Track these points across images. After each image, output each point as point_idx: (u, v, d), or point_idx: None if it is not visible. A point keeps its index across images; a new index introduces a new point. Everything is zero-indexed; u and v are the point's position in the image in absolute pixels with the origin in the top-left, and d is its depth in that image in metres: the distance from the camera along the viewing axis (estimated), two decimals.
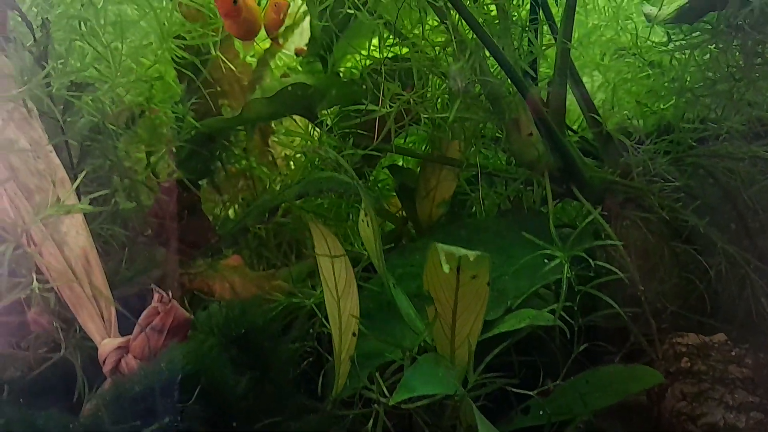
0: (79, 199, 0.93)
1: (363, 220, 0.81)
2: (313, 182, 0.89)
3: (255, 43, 1.44)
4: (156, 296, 0.83)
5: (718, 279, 1.23)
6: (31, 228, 0.82)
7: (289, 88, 1.22)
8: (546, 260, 1.06)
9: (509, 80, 1.04)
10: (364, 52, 1.53)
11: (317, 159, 1.16)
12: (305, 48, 1.53)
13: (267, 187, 1.59)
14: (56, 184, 0.95)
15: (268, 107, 1.23)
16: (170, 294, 0.82)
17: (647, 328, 1.18)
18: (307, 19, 1.53)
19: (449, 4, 1.00)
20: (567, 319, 0.97)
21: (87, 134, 1.08)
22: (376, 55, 1.39)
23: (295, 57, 1.61)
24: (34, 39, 1.07)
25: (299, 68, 1.61)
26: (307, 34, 1.53)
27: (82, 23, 1.04)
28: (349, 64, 1.54)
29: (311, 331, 0.98)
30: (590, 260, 0.92)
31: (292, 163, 1.41)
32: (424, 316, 0.95)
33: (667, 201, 1.19)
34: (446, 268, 0.74)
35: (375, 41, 1.49)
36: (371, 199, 0.84)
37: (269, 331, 0.85)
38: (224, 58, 1.53)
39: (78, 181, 0.84)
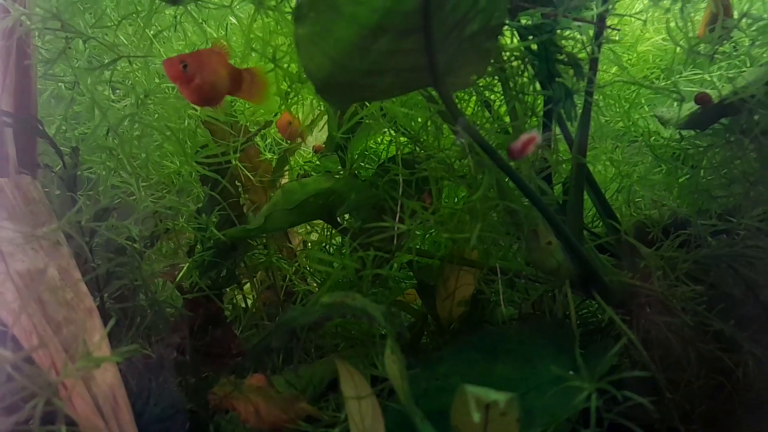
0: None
1: (389, 357, 0.81)
2: (340, 306, 0.90)
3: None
4: None
5: (745, 378, 1.22)
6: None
7: (311, 198, 1.24)
8: (571, 372, 1.06)
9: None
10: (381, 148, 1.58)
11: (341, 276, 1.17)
12: (323, 145, 1.57)
13: (286, 279, 1.62)
14: (84, 313, 0.97)
15: (290, 216, 1.25)
16: None
17: None
18: (325, 117, 1.58)
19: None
20: None
21: (111, 255, 1.10)
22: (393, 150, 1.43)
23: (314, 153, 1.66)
24: (64, 166, 1.10)
25: (317, 163, 1.66)
26: (325, 133, 1.58)
27: (108, 151, 1.07)
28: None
29: None
30: (615, 392, 0.90)
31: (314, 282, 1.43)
32: None
33: (690, 304, 1.18)
34: (476, 417, 0.73)
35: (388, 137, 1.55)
36: (397, 329, 0.85)
37: None
38: (246, 156, 1.59)
39: (109, 326, 0.85)
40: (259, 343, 1.13)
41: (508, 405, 0.75)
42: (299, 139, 1.55)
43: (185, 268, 1.21)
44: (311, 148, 1.64)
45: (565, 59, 1.03)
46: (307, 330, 1.19)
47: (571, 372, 1.05)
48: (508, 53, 1.06)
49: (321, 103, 1.53)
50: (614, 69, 1.48)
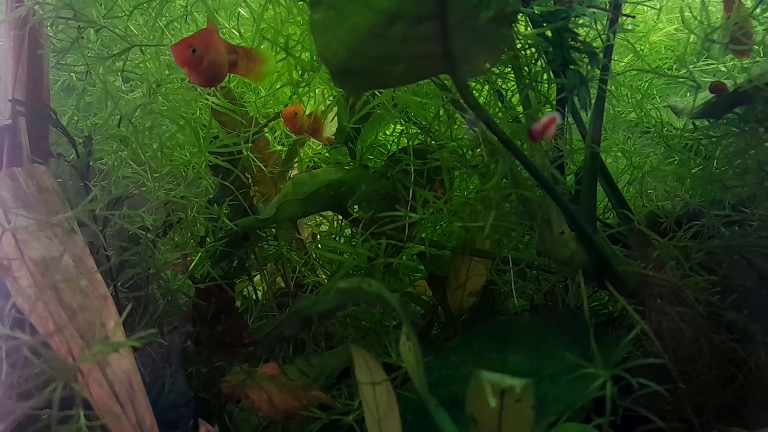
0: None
1: (404, 344, 0.81)
2: (352, 292, 0.89)
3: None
4: (203, 429, 0.83)
5: (757, 369, 1.21)
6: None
7: (322, 189, 1.24)
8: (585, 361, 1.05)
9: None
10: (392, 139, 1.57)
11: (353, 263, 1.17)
12: (333, 137, 1.57)
13: (296, 270, 1.62)
14: (99, 301, 0.97)
15: (300, 207, 1.25)
16: (216, 428, 0.82)
17: (689, 424, 1.16)
18: (336, 108, 1.57)
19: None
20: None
21: (125, 244, 1.10)
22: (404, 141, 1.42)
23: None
24: (77, 154, 1.10)
25: (327, 155, 1.65)
26: (335, 124, 1.57)
27: (120, 141, 1.07)
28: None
29: None
30: (631, 378, 0.90)
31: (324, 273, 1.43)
32: (464, 425, 0.94)
33: (703, 295, 1.18)
34: (492, 402, 0.73)
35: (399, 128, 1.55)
36: (411, 317, 0.85)
37: None
38: (256, 148, 1.58)
39: (124, 314, 0.86)
40: (272, 331, 1.13)
41: (523, 391, 0.75)
42: (310, 135, 1.53)
43: (197, 258, 1.21)
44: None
45: (580, 47, 1.02)
46: (319, 319, 1.19)
47: (584, 361, 1.05)
48: (522, 41, 1.05)
49: (331, 93, 1.53)
50: (627, 58, 1.47)
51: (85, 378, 0.84)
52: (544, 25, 1.03)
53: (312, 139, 1.69)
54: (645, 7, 1.55)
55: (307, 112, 1.32)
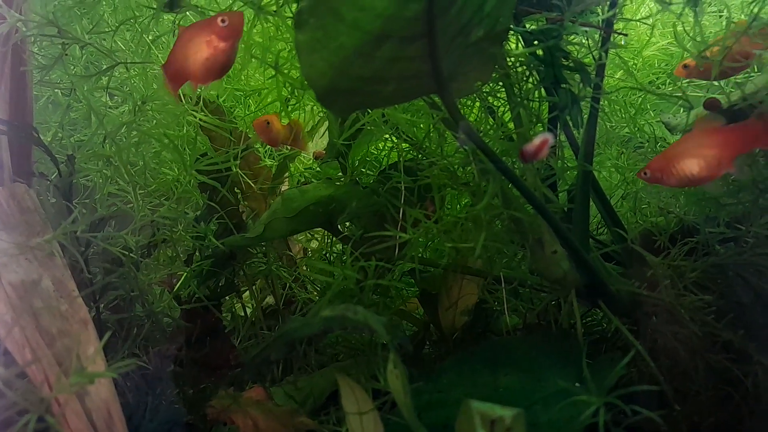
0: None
1: (391, 372, 0.79)
2: (341, 319, 0.87)
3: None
4: None
5: (754, 388, 1.19)
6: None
7: (311, 206, 1.22)
8: (578, 384, 1.04)
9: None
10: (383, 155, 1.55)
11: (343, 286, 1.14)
12: (324, 152, 1.55)
13: (286, 287, 1.60)
14: (79, 325, 0.94)
15: (289, 225, 1.23)
16: None
17: None
18: (326, 124, 1.56)
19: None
20: None
21: (107, 266, 1.08)
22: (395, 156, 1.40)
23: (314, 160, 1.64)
24: (59, 174, 1.08)
25: (318, 170, 1.63)
26: (326, 139, 1.56)
27: (105, 159, 1.05)
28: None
29: None
30: (624, 406, 0.88)
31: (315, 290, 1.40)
32: None
33: (698, 314, 1.16)
34: None
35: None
36: (399, 340, 0.83)
37: None
38: (246, 163, 1.56)
39: (104, 340, 0.83)
40: (258, 354, 1.11)
41: (514, 421, 0.73)
42: (288, 146, 1.48)
43: (183, 277, 1.19)
44: (312, 154, 1.62)
45: (572, 65, 1.00)
46: (308, 341, 1.17)
47: (577, 384, 1.03)
48: (513, 59, 1.04)
49: (322, 108, 1.51)
50: (619, 74, 1.46)
51: (62, 407, 0.81)
52: (536, 43, 1.01)
53: (303, 154, 1.67)
54: (639, 23, 1.54)
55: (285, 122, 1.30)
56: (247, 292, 1.53)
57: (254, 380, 1.07)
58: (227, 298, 1.34)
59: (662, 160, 0.99)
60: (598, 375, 1.01)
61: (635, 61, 1.58)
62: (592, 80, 0.98)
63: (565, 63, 0.97)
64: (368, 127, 1.37)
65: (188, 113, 1.26)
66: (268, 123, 1.22)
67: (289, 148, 1.45)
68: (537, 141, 0.82)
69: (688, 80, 1.43)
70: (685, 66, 1.14)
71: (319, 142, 1.60)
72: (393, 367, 0.79)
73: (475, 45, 0.91)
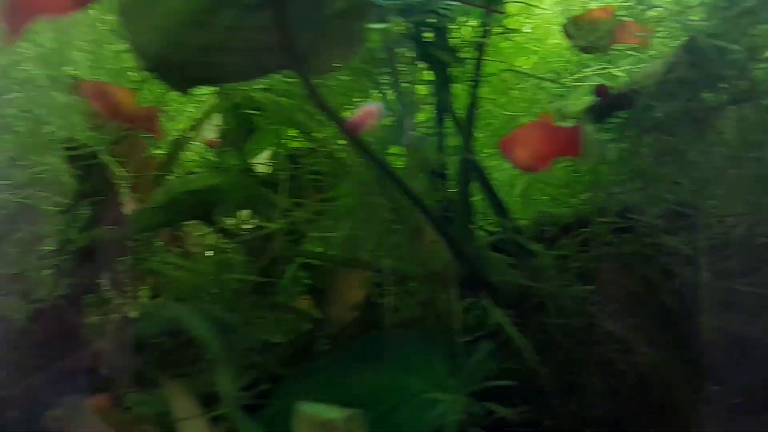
0: None
1: (222, 383, 0.72)
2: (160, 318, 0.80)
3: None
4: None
5: (640, 381, 1.18)
6: None
7: (184, 196, 1.14)
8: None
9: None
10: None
11: None
12: (219, 140, 1.46)
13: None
14: None
15: (158, 216, 1.15)
16: None
17: None
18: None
19: None
20: None
21: None
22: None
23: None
24: None
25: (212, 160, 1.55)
26: (217, 128, 1.47)
27: None
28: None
29: None
30: (478, 404, 0.84)
31: None
32: None
33: (583, 305, 1.13)
34: None
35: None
36: (234, 346, 0.76)
37: None
38: (131, 150, 1.46)
39: None
40: (109, 359, 1.02)
41: (346, 423, 0.67)
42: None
43: (37, 274, 1.08)
44: (204, 142, 1.53)
45: (446, 44, 0.96)
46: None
47: (451, 381, 0.99)
48: (385, 36, 0.98)
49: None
50: (524, 60, 1.42)
51: None
52: (408, 19, 0.96)
53: (199, 144, 1.58)
54: (544, 10, 1.51)
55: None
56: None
57: (105, 387, 0.98)
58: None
59: (508, 138, 0.96)
60: (472, 369, 0.97)
61: (540, 48, 1.56)
62: (461, 61, 0.93)
63: (432, 41, 0.92)
64: (259, 113, 1.30)
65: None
66: (106, 92, 1.05)
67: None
68: (362, 111, 0.76)
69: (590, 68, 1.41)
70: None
71: (209, 130, 1.51)
72: (223, 376, 0.72)
73: (336, 19, 0.85)
